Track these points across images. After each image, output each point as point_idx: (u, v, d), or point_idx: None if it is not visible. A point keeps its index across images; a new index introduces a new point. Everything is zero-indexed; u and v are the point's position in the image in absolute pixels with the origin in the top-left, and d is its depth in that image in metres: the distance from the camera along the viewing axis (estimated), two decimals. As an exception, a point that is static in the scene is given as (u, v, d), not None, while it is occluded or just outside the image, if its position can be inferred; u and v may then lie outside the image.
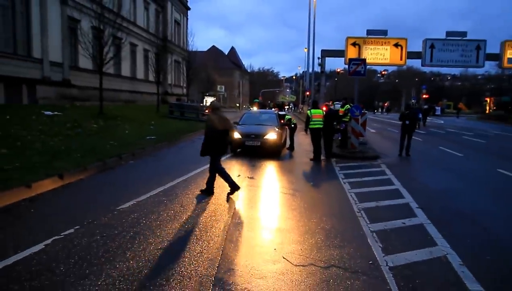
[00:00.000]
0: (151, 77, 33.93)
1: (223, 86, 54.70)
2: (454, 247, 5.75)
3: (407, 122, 15.45)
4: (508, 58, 31.74)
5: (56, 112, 18.07)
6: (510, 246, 6.08)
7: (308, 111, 14.61)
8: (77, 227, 6.09)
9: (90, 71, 25.15)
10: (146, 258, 5.04)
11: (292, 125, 16.85)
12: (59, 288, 4.20)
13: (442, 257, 5.43)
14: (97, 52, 21.13)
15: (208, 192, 8.57)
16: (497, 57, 32.64)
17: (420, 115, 32.11)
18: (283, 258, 5.23)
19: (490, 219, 7.54)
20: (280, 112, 17.76)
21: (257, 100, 42.74)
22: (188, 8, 52.84)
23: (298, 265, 5.01)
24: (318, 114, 14.16)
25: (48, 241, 5.47)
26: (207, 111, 34.29)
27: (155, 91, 32.64)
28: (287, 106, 44.94)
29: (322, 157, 14.22)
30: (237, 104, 69.34)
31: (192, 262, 4.97)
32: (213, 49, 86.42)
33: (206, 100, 41.95)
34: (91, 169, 10.40)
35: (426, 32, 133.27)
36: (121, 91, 31.53)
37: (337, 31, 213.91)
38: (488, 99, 68.64)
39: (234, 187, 8.58)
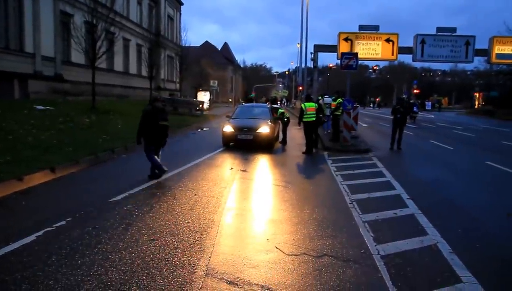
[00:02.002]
0: (144, 72, 33.80)
1: (216, 82, 54.35)
2: (444, 236, 5.82)
3: (398, 116, 15.55)
4: (496, 54, 32.15)
5: (48, 107, 17.95)
6: (498, 234, 6.17)
7: (302, 105, 14.66)
8: (69, 219, 6.08)
9: (83, 66, 24.99)
10: (139, 249, 5.05)
11: (285, 119, 16.84)
12: (51, 278, 4.19)
13: (432, 246, 5.50)
14: (90, 46, 20.99)
15: (155, 176, 9.04)
16: (485, 53, 33.02)
17: (416, 109, 32.39)
18: (276, 248, 5.26)
19: (479, 209, 7.64)
20: (274, 106, 17.82)
21: (252, 96, 42.81)
22: (181, 3, 52.60)
23: (291, 255, 5.05)
24: (311, 107, 14.26)
25: (40, 233, 5.46)
26: (200, 106, 34.34)
27: (148, 86, 32.50)
28: (280, 101, 45.00)
29: (314, 150, 14.30)
30: (230, 100, 69.17)
31: (185, 253, 4.98)
32: (206, 44, 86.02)
33: (200, 96, 41.64)
34: (83, 162, 10.37)
35: (420, 27, 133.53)
36: (113, 86, 31.36)
37: (331, 27, 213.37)
38: (477, 95, 69.11)
39: (154, 174, 9.05)
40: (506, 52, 32.05)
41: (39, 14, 21.68)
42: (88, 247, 5.04)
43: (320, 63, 50.75)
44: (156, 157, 9.20)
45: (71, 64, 25.35)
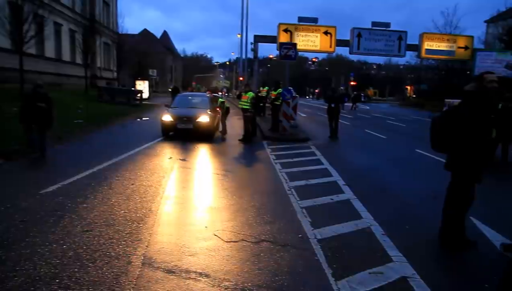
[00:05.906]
0: (79, 60, 32.22)
1: (155, 71, 53.00)
2: (377, 219, 6.09)
3: (332, 105, 16.13)
4: (426, 49, 33.84)
5: (-32, 94, 16.68)
6: (425, 216, 6.48)
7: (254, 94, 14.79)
8: (-6, 212, 5.69)
9: (9, 51, 23.23)
10: (71, 241, 4.83)
11: (225, 109, 16.80)
12: (-28, 275, 3.91)
13: (366, 229, 5.73)
14: (16, 30, 19.61)
15: (42, 154, 9.92)
16: (416, 48, 34.64)
17: (346, 99, 33.94)
18: (214, 235, 5.24)
19: (409, 194, 8.05)
20: (214, 94, 17.81)
21: (199, 86, 42.48)
22: (117, -12, 50.58)
23: (229, 241, 5.06)
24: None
25: (-40, 227, 5.08)
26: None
27: (83, 74, 31.04)
28: (221, 91, 45.01)
29: (253, 138, 14.54)
30: (169, 89, 68.02)
31: (121, 243, 4.84)
32: (145, 32, 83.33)
33: (139, 85, 40.41)
34: (11, 153, 9.74)
35: (362, 21, 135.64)
36: (44, 74, 29.44)
37: (276, 17, 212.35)
38: (408, 88, 72.72)
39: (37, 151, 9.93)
40: (433, 48, 33.83)
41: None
42: (15, 241, 4.75)
43: (262, 54, 51.14)
44: (41, 137, 9.90)
45: (-5, 49, 23.56)
